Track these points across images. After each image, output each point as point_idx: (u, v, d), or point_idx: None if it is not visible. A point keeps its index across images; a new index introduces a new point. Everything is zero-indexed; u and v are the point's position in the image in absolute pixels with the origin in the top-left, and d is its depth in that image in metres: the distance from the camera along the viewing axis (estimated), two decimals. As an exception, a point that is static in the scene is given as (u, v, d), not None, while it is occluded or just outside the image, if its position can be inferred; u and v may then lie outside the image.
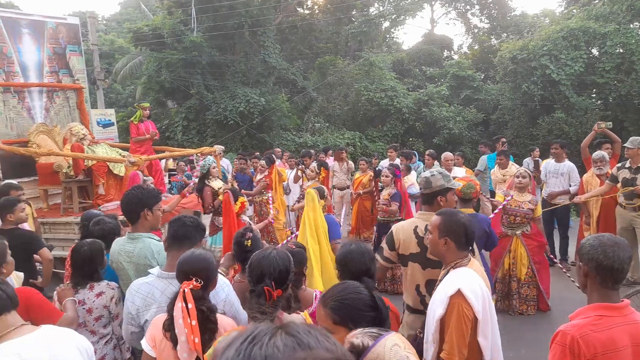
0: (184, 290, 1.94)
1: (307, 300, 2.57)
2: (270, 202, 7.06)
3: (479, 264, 2.41)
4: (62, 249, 5.72)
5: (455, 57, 25.25)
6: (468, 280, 2.20)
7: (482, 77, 20.82)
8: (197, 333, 1.88)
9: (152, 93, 18.98)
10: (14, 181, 5.98)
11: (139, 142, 7.17)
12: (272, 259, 2.01)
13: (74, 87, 8.10)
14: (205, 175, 5.71)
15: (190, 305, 1.90)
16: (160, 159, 7.72)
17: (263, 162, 7.70)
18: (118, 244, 2.78)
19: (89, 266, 2.78)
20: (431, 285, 2.57)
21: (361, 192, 8.16)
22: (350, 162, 9.24)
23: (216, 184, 5.74)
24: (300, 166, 8.07)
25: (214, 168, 5.79)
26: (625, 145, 5.71)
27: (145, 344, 2.02)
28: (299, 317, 2.11)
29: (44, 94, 7.75)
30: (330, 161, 9.51)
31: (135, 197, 2.74)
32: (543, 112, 15.57)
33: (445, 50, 26.03)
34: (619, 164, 5.70)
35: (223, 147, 7.81)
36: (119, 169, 6.53)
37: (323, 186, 5.79)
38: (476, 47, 24.61)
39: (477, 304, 2.13)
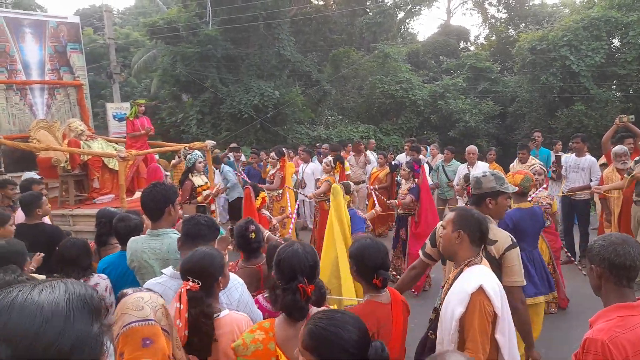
0: (180, 291, 1.95)
1: None
2: (280, 199, 7.05)
3: (488, 264, 2.36)
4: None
5: (472, 48, 24.86)
6: (487, 276, 2.19)
7: (499, 68, 20.45)
8: (180, 334, 1.87)
9: (167, 86, 19.10)
10: (33, 174, 6.11)
11: (134, 137, 7.29)
12: (301, 255, 1.98)
13: (74, 84, 8.30)
14: (190, 169, 5.74)
15: (182, 307, 1.90)
16: (152, 153, 7.80)
17: (273, 154, 7.71)
18: (139, 242, 2.75)
19: (84, 260, 2.82)
20: None
21: (377, 187, 8.10)
22: (369, 155, 9.18)
23: (198, 180, 5.74)
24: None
25: (199, 163, 5.80)
26: None
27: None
28: None
29: (45, 90, 7.96)
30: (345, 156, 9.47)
31: (159, 194, 2.74)
32: (562, 104, 15.26)
33: (462, 41, 25.63)
34: (638, 158, 5.56)
35: (214, 143, 7.92)
36: (114, 164, 6.65)
37: (349, 181, 5.78)
38: (493, 38, 24.17)
39: (497, 301, 2.13)
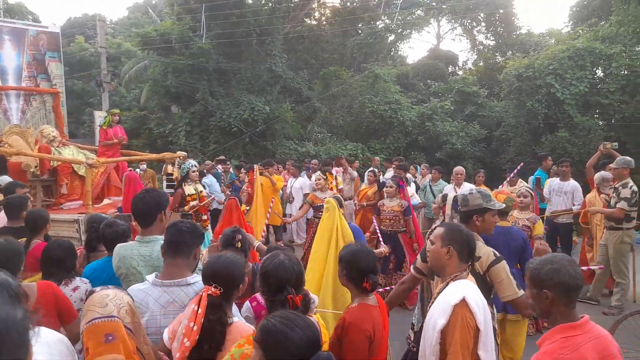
0: (201, 295, 1.91)
1: None
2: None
3: (473, 279, 2.39)
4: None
5: (460, 72, 25.37)
6: (471, 290, 2.20)
7: (486, 93, 20.88)
8: (192, 338, 1.83)
9: (157, 97, 19.05)
10: (6, 177, 6.04)
11: (106, 146, 7.45)
12: (287, 266, 1.98)
13: (50, 92, 8.42)
14: (184, 178, 5.78)
15: (199, 310, 1.86)
16: (124, 161, 7.88)
17: (243, 169, 7.75)
18: (127, 248, 2.69)
19: (68, 263, 2.82)
20: None
21: (365, 204, 8.11)
22: (353, 171, 9.20)
23: (189, 189, 5.77)
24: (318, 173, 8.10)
25: (193, 172, 5.84)
26: (611, 165, 5.83)
27: (165, 335, 2.01)
28: (314, 320, 2.08)
29: (21, 97, 8.08)
30: (334, 171, 9.49)
31: (153, 200, 2.72)
32: (546, 130, 15.58)
33: (450, 66, 26.16)
34: (617, 184, 5.72)
35: (185, 153, 8.11)
36: (84, 170, 6.72)
37: (339, 195, 5.79)
38: (481, 64, 24.72)
39: (479, 315, 2.13)
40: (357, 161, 13.02)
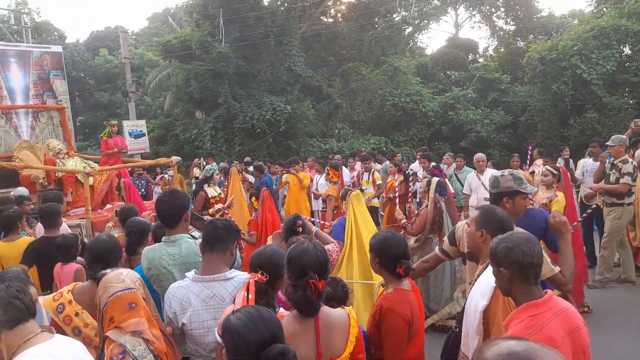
0: (249, 281, 2.01)
1: None
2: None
3: None
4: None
5: (481, 60, 24.97)
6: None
7: (509, 79, 20.51)
8: None
9: (181, 104, 19.47)
10: (24, 190, 6.49)
11: (107, 155, 7.97)
12: (311, 252, 2.03)
13: (57, 108, 8.99)
14: (207, 179, 5.91)
15: (250, 296, 1.95)
16: (126, 169, 8.46)
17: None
18: (155, 250, 2.76)
19: (112, 259, 2.76)
20: None
21: (392, 195, 8.12)
22: (378, 165, 9.22)
23: (212, 191, 5.86)
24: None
25: (217, 174, 5.98)
26: (607, 143, 5.86)
27: (217, 336, 2.05)
28: (343, 312, 2.14)
29: (29, 114, 8.60)
30: (358, 166, 9.53)
31: (178, 201, 2.80)
32: (574, 112, 15.23)
33: (471, 54, 25.78)
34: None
35: (179, 158, 8.55)
36: (89, 179, 7.22)
37: (348, 187, 5.83)
38: (502, 50, 24.28)
39: None
40: (399, 154, 12.96)
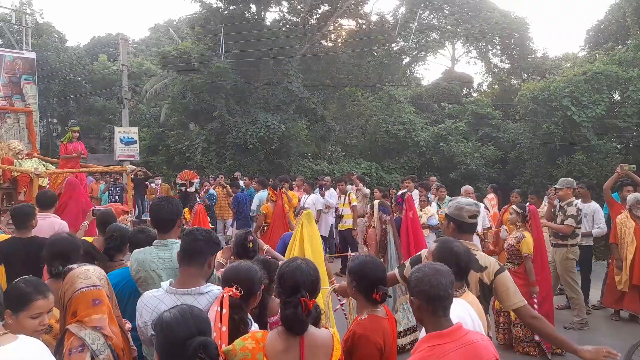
0: (222, 296, 1.97)
1: (274, 309, 2.68)
2: None
3: (472, 296, 2.39)
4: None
5: (475, 94, 25.45)
6: (458, 310, 2.16)
7: (500, 115, 20.89)
8: (224, 339, 1.89)
9: (176, 114, 19.47)
10: None
11: (66, 159, 8.22)
12: (304, 269, 2.02)
13: (24, 110, 9.15)
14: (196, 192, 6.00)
15: (224, 311, 1.92)
16: (83, 173, 8.74)
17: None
18: (146, 253, 2.74)
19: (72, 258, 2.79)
20: None
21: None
22: (366, 189, 9.23)
23: None
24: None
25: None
26: (555, 186, 6.22)
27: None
28: (328, 333, 2.10)
29: None
30: (350, 188, 9.53)
31: (174, 207, 2.82)
32: (563, 152, 15.47)
33: (465, 88, 26.28)
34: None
35: (134, 167, 8.75)
36: (42, 181, 7.35)
37: (303, 207, 5.95)
38: (496, 86, 24.80)
39: None
40: (434, 177, 12.74)
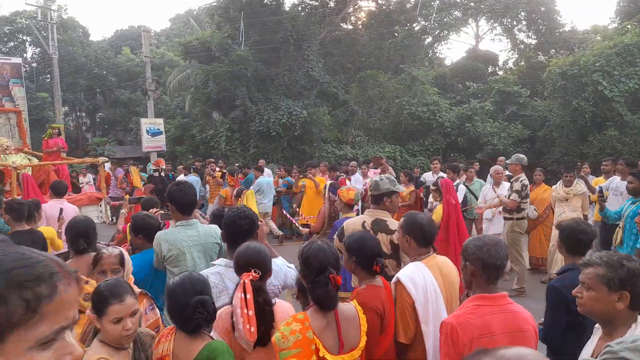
0: (244, 282, 2.03)
1: None
2: None
3: (442, 260, 2.67)
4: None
5: (500, 72, 24.77)
6: (411, 271, 2.50)
7: (528, 93, 20.30)
8: (253, 323, 1.96)
9: (199, 104, 19.66)
10: None
11: (47, 153, 9.38)
12: (327, 250, 2.12)
13: (14, 110, 10.20)
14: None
15: (248, 296, 1.99)
16: (64, 165, 9.84)
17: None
18: (175, 233, 3.03)
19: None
20: None
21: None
22: (391, 170, 9.18)
23: None
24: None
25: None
26: (507, 161, 6.52)
27: (214, 333, 2.15)
28: (352, 306, 2.23)
29: None
30: (372, 173, 9.50)
31: (193, 191, 3.19)
32: (594, 129, 14.99)
33: (490, 66, 25.58)
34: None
35: (107, 159, 10.08)
36: (26, 169, 8.17)
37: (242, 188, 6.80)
38: (522, 63, 24.06)
39: (415, 292, 2.40)
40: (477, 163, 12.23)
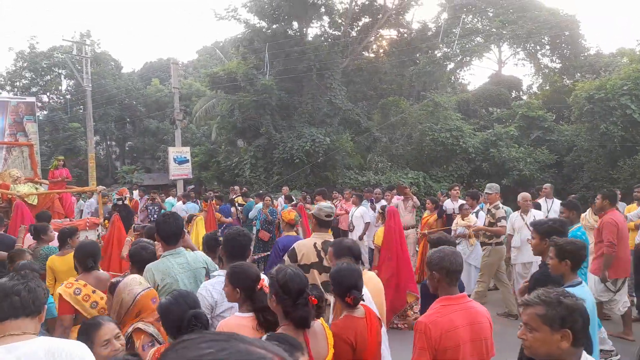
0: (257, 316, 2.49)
1: None
2: None
3: (371, 278, 3.24)
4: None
5: (525, 97, 24.54)
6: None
7: (553, 117, 20.01)
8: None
9: (225, 132, 20.13)
10: None
11: (53, 183, 10.13)
12: (299, 274, 2.33)
13: (26, 144, 11.14)
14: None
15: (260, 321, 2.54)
16: (68, 193, 10.25)
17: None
18: (165, 262, 3.21)
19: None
20: (325, 285, 3.34)
21: (426, 232, 8.01)
22: (415, 199, 9.12)
23: None
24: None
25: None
26: (486, 191, 6.94)
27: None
28: (318, 321, 2.42)
29: (3, 149, 10.91)
30: (396, 199, 9.47)
31: (179, 221, 3.42)
32: (624, 153, 14.62)
33: (514, 91, 25.41)
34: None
35: (104, 187, 10.33)
36: (32, 199, 8.71)
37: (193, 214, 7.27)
38: (547, 88, 23.82)
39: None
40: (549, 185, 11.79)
